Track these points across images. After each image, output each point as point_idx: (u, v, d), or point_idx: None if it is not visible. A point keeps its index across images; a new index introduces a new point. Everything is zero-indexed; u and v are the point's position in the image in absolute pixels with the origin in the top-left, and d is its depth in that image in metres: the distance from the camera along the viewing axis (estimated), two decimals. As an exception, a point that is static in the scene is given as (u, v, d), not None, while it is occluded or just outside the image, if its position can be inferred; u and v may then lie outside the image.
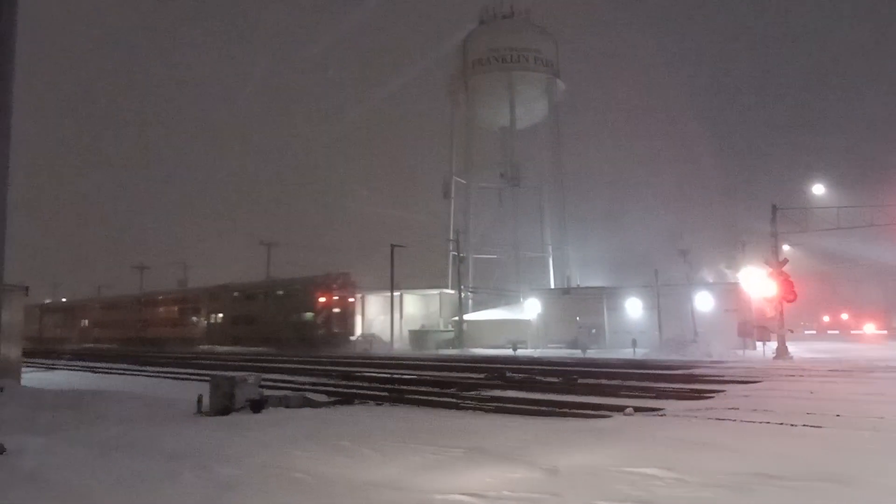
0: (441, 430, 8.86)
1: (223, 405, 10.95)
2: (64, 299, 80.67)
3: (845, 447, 7.02)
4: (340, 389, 15.12)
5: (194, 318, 55.51)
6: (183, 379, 19.59)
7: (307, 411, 11.54)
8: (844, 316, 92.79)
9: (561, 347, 40.46)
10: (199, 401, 11.12)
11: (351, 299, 47.50)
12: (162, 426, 9.72)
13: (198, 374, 19.36)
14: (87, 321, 70.03)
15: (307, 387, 15.33)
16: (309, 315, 46.27)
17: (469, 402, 12.61)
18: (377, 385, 16.27)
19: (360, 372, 20.52)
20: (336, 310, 45.94)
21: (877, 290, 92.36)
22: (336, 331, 45.33)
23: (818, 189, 31.04)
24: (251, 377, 11.49)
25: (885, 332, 74.07)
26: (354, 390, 15.01)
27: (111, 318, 65.39)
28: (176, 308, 58.93)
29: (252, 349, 43.20)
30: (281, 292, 49.81)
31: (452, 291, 52.32)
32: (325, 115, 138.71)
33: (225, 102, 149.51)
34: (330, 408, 12.29)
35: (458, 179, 63.26)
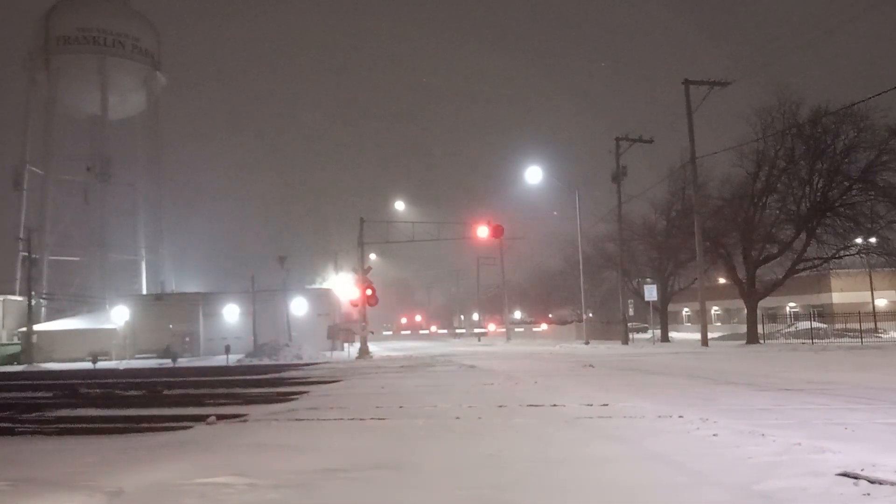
0: (-15, 462, 7.57)
1: None
2: None
3: (403, 435, 7.90)
4: None
5: None
6: None
7: None
8: (418, 317, 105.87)
9: (152, 357, 38.06)
10: None
11: None
12: None
13: None
14: None
15: None
16: None
17: (29, 425, 11.02)
18: None
19: None
20: None
21: (442, 294, 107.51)
22: None
23: (399, 205, 35.00)
24: None
25: (446, 330, 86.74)
26: None
27: None
28: None
29: None
30: None
31: (21, 298, 45.20)
32: None
33: None
34: None
35: (34, 169, 55.19)
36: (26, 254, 45.47)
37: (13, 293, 48.08)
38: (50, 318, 47.77)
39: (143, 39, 58.32)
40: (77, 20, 55.61)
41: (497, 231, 30.83)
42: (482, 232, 30.33)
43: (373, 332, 35.76)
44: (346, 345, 35.29)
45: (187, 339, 40.65)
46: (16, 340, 43.32)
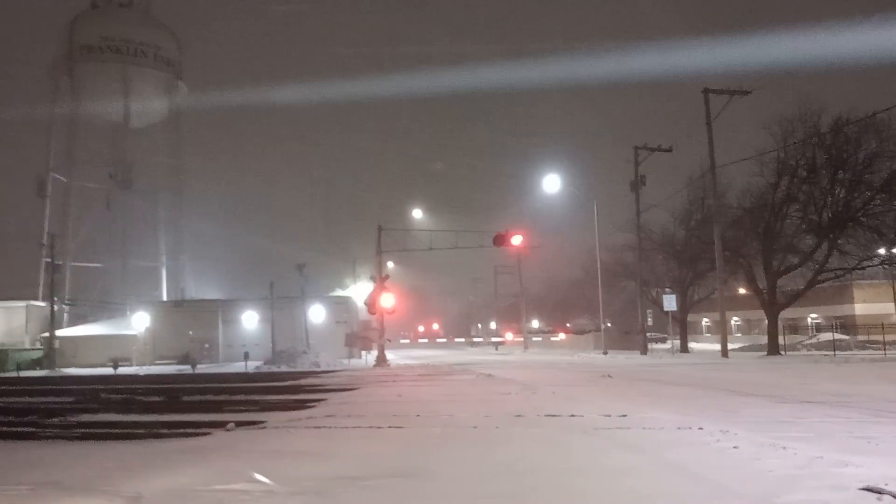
0: (8, 466, 7.68)
1: None
2: None
3: (419, 444, 7.89)
4: None
5: None
6: None
7: None
8: (435, 326, 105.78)
9: (171, 363, 38.35)
10: None
11: None
12: None
13: None
14: None
15: None
16: None
17: (51, 429, 11.15)
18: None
19: None
20: None
21: (459, 303, 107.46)
22: None
23: (417, 213, 35.09)
24: None
25: (463, 339, 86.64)
26: None
27: None
28: None
29: None
30: None
31: (43, 304, 45.81)
32: None
33: None
34: None
35: (57, 176, 56.00)
36: (49, 260, 46.16)
37: (36, 299, 48.74)
38: (72, 323, 48.33)
39: (164, 48, 59.16)
40: (100, 29, 56.55)
41: (516, 239, 30.75)
42: (499, 241, 30.27)
43: (390, 341, 35.77)
44: (363, 353, 35.33)
45: (206, 345, 40.97)
46: (38, 345, 43.88)
